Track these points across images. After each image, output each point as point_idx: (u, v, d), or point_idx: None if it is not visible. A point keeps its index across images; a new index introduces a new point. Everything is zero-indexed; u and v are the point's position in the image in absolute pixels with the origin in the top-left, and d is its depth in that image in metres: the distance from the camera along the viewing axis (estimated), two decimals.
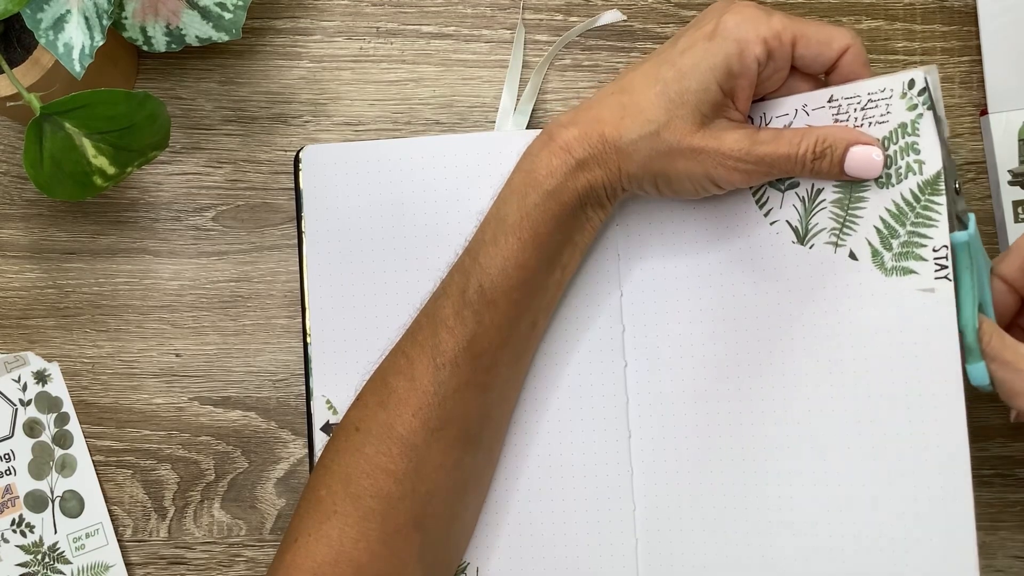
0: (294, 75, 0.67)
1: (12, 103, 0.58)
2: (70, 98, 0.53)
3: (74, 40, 0.54)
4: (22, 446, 0.65)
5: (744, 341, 0.59)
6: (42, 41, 0.54)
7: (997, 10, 0.66)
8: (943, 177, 0.53)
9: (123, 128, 0.56)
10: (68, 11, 0.54)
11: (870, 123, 0.55)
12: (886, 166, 0.54)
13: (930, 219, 0.53)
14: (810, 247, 0.57)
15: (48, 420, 0.65)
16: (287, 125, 0.67)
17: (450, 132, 0.67)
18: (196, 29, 0.60)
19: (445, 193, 0.64)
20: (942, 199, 0.53)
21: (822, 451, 0.56)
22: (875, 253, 0.55)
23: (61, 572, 0.64)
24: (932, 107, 0.53)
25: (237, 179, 0.67)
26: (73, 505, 0.65)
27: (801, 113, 0.56)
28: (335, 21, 0.68)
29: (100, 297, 0.67)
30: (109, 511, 0.65)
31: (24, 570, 0.64)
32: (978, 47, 0.67)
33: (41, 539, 0.65)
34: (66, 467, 0.65)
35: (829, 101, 0.55)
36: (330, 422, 0.63)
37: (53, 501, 0.65)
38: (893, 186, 0.54)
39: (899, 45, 0.67)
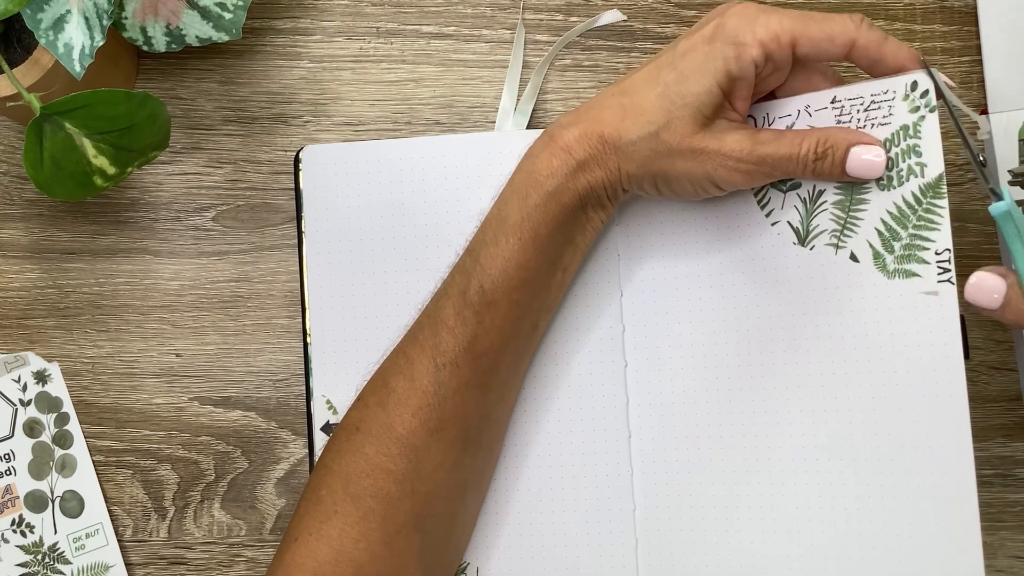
0: (294, 75, 0.67)
1: (12, 103, 0.58)
2: (70, 98, 0.53)
3: (74, 40, 0.54)
4: (22, 446, 0.65)
5: (745, 342, 0.59)
6: (42, 41, 0.54)
7: (997, 10, 0.66)
8: (945, 180, 0.53)
9: (123, 128, 0.56)
10: (68, 11, 0.54)
11: (872, 124, 0.55)
12: (887, 168, 0.54)
13: (932, 222, 0.53)
14: (811, 248, 0.57)
15: (48, 420, 0.65)
16: (287, 125, 0.67)
17: (450, 132, 0.67)
18: (196, 29, 0.60)
19: (445, 193, 0.64)
20: (944, 202, 0.53)
21: (824, 451, 0.56)
22: (877, 255, 0.55)
23: (61, 572, 0.64)
24: (937, 108, 0.53)
25: (237, 179, 0.67)
26: (73, 505, 0.65)
27: (804, 114, 0.56)
28: (335, 21, 0.68)
29: (100, 297, 0.66)
30: (109, 511, 0.65)
31: (24, 570, 0.64)
32: (978, 47, 0.67)
33: (41, 539, 0.64)
34: (66, 467, 0.65)
35: (832, 102, 0.55)
36: (330, 422, 0.63)
37: (53, 501, 0.65)
38: (895, 188, 0.54)
39: None
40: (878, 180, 0.55)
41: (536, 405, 0.62)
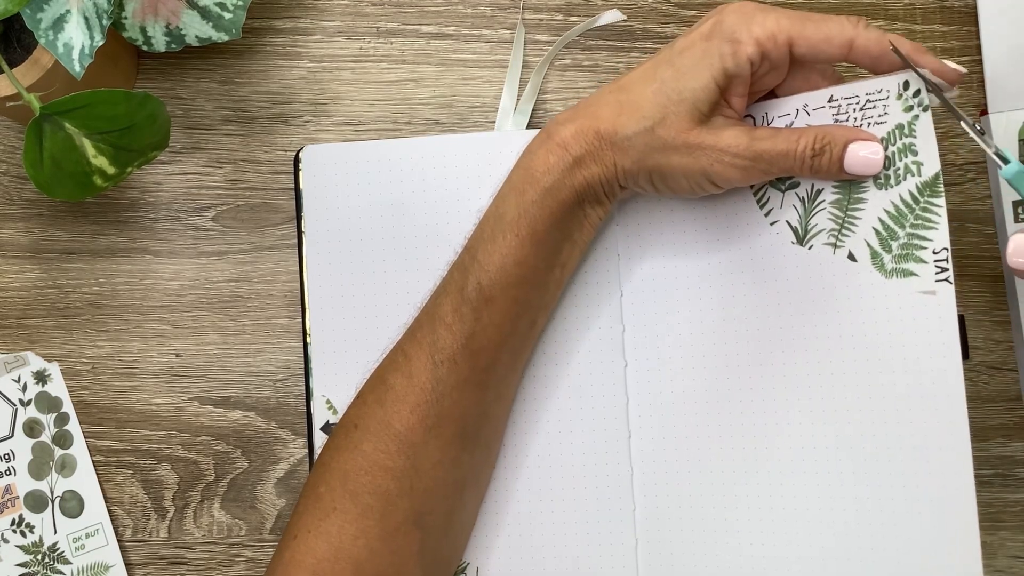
0: (294, 75, 0.67)
1: (12, 103, 0.58)
2: (70, 98, 0.53)
3: (74, 40, 0.54)
4: (22, 446, 0.65)
5: (744, 341, 0.59)
6: (42, 41, 0.54)
7: (997, 10, 0.66)
8: (942, 179, 0.53)
9: (123, 128, 0.56)
10: (68, 11, 0.54)
11: (869, 123, 0.55)
12: (885, 167, 0.54)
13: (930, 221, 0.53)
14: (809, 248, 0.57)
15: (48, 420, 0.65)
16: (287, 125, 0.67)
17: (450, 132, 0.67)
18: (196, 29, 0.60)
19: (445, 193, 0.64)
20: (941, 201, 0.53)
21: (823, 451, 0.56)
22: (874, 255, 0.55)
23: (61, 572, 0.64)
24: (931, 108, 0.53)
25: (237, 179, 0.67)
26: (73, 505, 0.65)
27: (802, 113, 0.56)
28: (335, 21, 0.68)
29: (100, 297, 0.67)
30: (109, 511, 0.65)
31: (24, 570, 0.64)
32: (978, 47, 0.67)
33: (41, 539, 0.65)
34: (66, 467, 0.65)
35: (829, 101, 0.55)
36: (330, 422, 0.63)
37: (53, 501, 0.65)
38: (892, 187, 0.54)
39: None
40: (875, 179, 0.55)
41: (535, 404, 0.62)
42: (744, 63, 0.53)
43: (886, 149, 0.54)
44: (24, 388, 0.65)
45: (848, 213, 0.56)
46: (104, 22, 0.54)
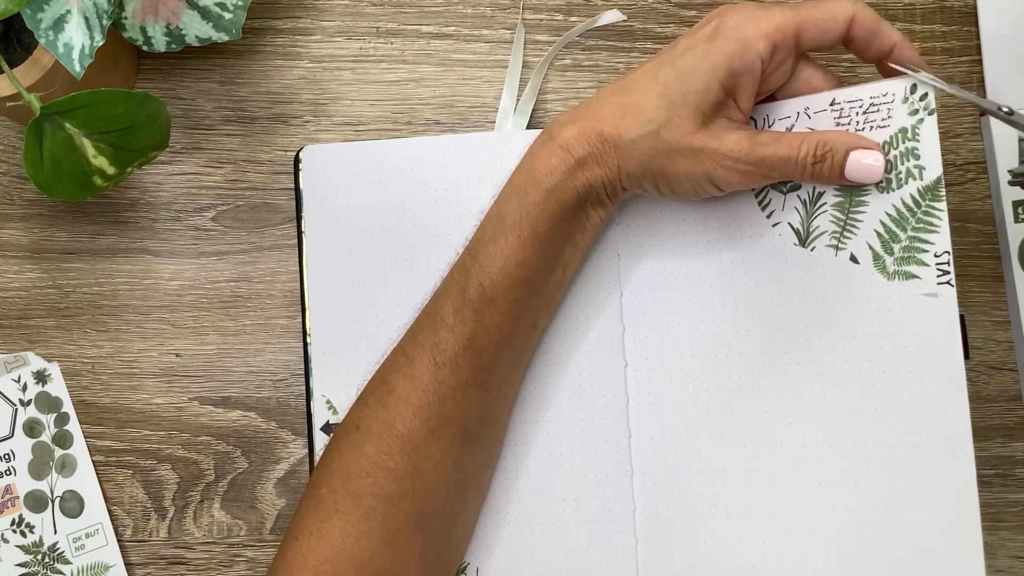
0: (294, 75, 0.67)
1: (12, 103, 0.58)
2: (70, 98, 0.53)
3: (74, 40, 0.54)
4: (22, 446, 0.65)
5: (746, 342, 0.59)
6: (42, 41, 0.54)
7: (997, 10, 0.66)
8: (943, 183, 0.53)
9: (123, 128, 0.56)
10: (68, 11, 0.54)
11: (871, 127, 0.55)
12: (886, 171, 0.54)
13: (931, 224, 0.53)
14: (811, 249, 0.57)
15: (48, 420, 0.65)
16: (287, 125, 0.67)
17: (450, 132, 0.67)
18: (196, 29, 0.60)
19: (445, 193, 0.64)
20: (943, 204, 0.53)
21: (824, 452, 0.56)
22: (876, 257, 0.55)
23: (61, 572, 0.64)
24: (936, 112, 0.53)
25: (237, 179, 0.67)
26: (73, 505, 0.65)
27: (803, 116, 0.56)
28: (335, 21, 0.68)
29: (100, 297, 0.66)
30: (109, 511, 0.65)
31: (24, 570, 0.64)
32: (978, 47, 0.67)
33: (41, 539, 0.65)
34: (66, 467, 0.65)
35: (831, 104, 0.55)
36: (330, 422, 0.63)
37: (53, 501, 0.65)
38: (894, 191, 0.54)
39: None
40: (877, 183, 0.55)
41: (536, 405, 0.62)
42: (754, 60, 0.53)
43: (888, 153, 0.54)
44: (24, 388, 0.65)
45: (850, 216, 0.56)
46: (104, 22, 0.54)
